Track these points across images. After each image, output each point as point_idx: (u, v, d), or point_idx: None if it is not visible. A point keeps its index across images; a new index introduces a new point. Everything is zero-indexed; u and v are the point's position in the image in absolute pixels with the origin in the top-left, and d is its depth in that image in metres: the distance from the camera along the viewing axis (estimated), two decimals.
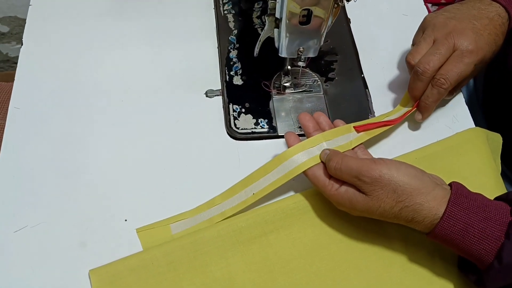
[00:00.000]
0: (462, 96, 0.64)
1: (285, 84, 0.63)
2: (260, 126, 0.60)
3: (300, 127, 0.56)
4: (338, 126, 0.55)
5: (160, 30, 0.69)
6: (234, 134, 0.60)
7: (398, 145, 0.60)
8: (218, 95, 0.63)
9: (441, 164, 0.58)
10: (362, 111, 0.62)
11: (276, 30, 0.55)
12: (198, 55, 0.67)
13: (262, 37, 0.57)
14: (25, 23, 0.68)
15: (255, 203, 0.53)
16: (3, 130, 0.58)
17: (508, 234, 0.43)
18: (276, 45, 0.57)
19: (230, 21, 0.70)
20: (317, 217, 0.54)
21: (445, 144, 0.59)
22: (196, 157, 0.58)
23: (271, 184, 0.53)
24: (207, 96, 0.63)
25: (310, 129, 0.55)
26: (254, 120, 0.61)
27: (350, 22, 0.71)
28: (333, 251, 0.53)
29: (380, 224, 0.51)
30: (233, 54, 0.66)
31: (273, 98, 0.63)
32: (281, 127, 0.60)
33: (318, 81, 0.64)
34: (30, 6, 0.69)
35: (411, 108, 0.59)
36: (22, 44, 0.66)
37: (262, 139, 0.60)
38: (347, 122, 0.57)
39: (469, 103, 0.66)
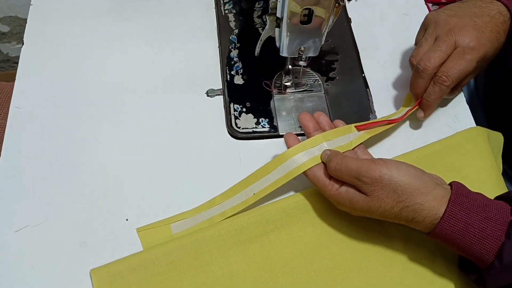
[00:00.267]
0: (463, 95, 0.64)
1: (286, 84, 0.63)
2: (261, 125, 0.60)
3: (300, 126, 0.57)
4: (338, 126, 0.55)
5: (161, 30, 0.69)
6: (235, 134, 0.60)
7: (399, 144, 0.60)
8: (219, 95, 0.63)
9: (442, 163, 0.57)
10: (362, 111, 0.62)
11: (277, 29, 0.55)
12: (199, 55, 0.67)
13: (263, 37, 0.57)
14: (26, 23, 0.68)
15: (255, 203, 0.53)
16: (4, 130, 0.58)
17: (508, 233, 0.43)
18: (277, 44, 0.57)
19: (231, 21, 0.70)
20: (318, 216, 0.54)
21: (446, 143, 0.59)
22: (197, 156, 0.58)
23: (272, 184, 0.53)
24: (208, 95, 0.63)
25: (310, 129, 0.55)
26: (255, 120, 0.61)
27: (351, 22, 0.71)
28: (334, 250, 0.53)
29: (381, 223, 0.51)
30: (234, 53, 0.66)
31: (274, 98, 0.63)
32: (282, 127, 0.60)
33: (319, 81, 0.64)
34: (31, 6, 0.69)
35: (413, 106, 0.59)
36: (23, 44, 0.66)
37: (263, 139, 0.60)
38: (348, 121, 0.57)
39: (470, 102, 0.66)
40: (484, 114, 0.71)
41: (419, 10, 0.72)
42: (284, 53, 0.57)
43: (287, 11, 0.51)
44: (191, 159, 0.58)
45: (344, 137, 0.54)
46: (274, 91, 0.63)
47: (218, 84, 0.64)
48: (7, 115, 0.59)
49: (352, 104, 0.63)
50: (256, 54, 0.59)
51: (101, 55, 0.66)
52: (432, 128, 0.62)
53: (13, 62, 1.37)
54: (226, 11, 0.71)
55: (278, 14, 0.53)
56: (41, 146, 0.58)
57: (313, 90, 0.64)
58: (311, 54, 0.57)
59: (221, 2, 0.71)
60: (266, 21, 0.55)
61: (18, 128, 0.59)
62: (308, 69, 0.65)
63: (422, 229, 0.47)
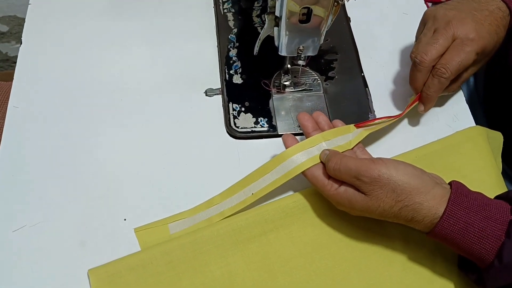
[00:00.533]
0: (463, 95, 0.64)
1: (285, 83, 0.62)
2: (260, 125, 0.60)
3: (299, 126, 0.56)
4: (337, 126, 0.55)
5: (160, 29, 0.68)
6: (234, 133, 0.60)
7: (398, 143, 0.60)
8: (218, 94, 0.63)
9: (441, 162, 0.57)
10: (362, 110, 0.62)
11: (276, 28, 0.55)
12: (198, 54, 0.66)
13: (262, 36, 0.57)
14: (25, 22, 0.68)
15: (254, 202, 0.53)
16: (2, 129, 0.58)
17: (508, 233, 0.43)
18: (276, 43, 0.56)
19: (229, 20, 0.70)
20: (317, 216, 0.54)
21: (445, 143, 0.59)
22: (195, 156, 0.58)
23: (270, 184, 0.53)
24: (206, 95, 0.63)
25: (309, 129, 0.54)
26: (254, 119, 0.61)
27: (350, 21, 0.71)
28: (333, 250, 0.52)
29: (381, 223, 0.50)
30: (233, 52, 0.66)
31: (273, 97, 0.63)
32: (281, 126, 0.60)
33: (318, 80, 0.64)
34: (29, 5, 0.69)
35: (413, 101, 0.59)
36: (21, 43, 0.66)
37: (262, 138, 0.60)
38: (348, 120, 0.56)
39: (470, 101, 0.66)
40: (484, 114, 0.71)
41: (419, 10, 0.72)
42: (283, 52, 0.56)
43: (286, 10, 0.51)
44: (190, 158, 0.58)
45: (343, 137, 0.54)
46: (273, 90, 0.63)
47: (217, 84, 0.64)
48: (5, 115, 0.59)
49: (351, 104, 0.63)
50: (255, 53, 0.59)
51: (100, 54, 0.66)
52: (432, 127, 0.61)
53: (12, 62, 1.37)
54: (225, 10, 0.70)
55: (277, 13, 0.52)
56: (39, 145, 0.58)
57: (312, 89, 0.64)
58: (310, 54, 0.57)
59: (220, 1, 0.71)
60: (265, 20, 0.55)
61: (16, 128, 0.59)
62: (307, 69, 0.65)
63: (421, 228, 0.47)
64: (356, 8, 0.72)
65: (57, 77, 0.63)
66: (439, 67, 0.55)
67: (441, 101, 0.63)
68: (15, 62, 0.64)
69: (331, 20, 0.54)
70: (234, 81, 0.64)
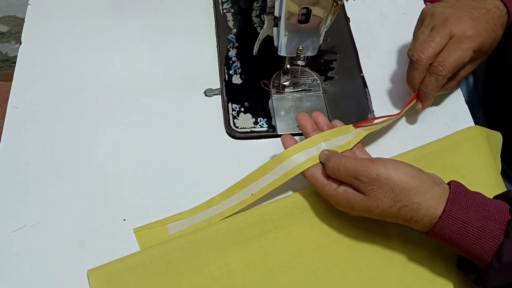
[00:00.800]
0: (462, 95, 0.64)
1: (284, 83, 0.62)
2: (259, 125, 0.60)
3: (299, 126, 0.56)
4: (336, 126, 0.55)
5: (160, 29, 0.68)
6: (233, 133, 0.60)
7: (398, 143, 0.60)
8: (217, 94, 0.63)
9: (440, 162, 0.57)
10: (361, 110, 0.62)
11: (275, 29, 0.55)
12: (197, 54, 0.66)
13: (261, 36, 0.57)
14: (24, 22, 0.68)
15: (253, 203, 0.53)
16: (2, 129, 0.58)
17: (507, 233, 0.43)
18: (275, 44, 0.56)
19: (229, 20, 0.70)
20: (316, 216, 0.54)
21: (444, 143, 0.59)
22: (195, 156, 0.58)
23: (270, 184, 0.53)
24: (206, 95, 0.63)
25: (308, 129, 0.55)
26: (253, 119, 0.61)
27: (349, 21, 0.71)
28: (332, 250, 0.52)
29: (380, 223, 0.50)
30: (232, 53, 0.66)
31: (272, 97, 0.63)
32: (281, 126, 0.60)
33: (317, 80, 0.64)
34: (28, 5, 0.69)
35: (410, 99, 0.59)
36: (21, 44, 0.66)
37: (262, 138, 0.60)
38: (347, 120, 0.57)
39: (469, 101, 0.66)
40: (483, 114, 0.71)
41: (418, 9, 0.71)
42: (282, 52, 0.56)
43: (285, 10, 0.51)
44: (190, 158, 0.58)
45: (343, 137, 0.54)
46: (273, 90, 0.63)
47: (216, 84, 0.64)
48: (5, 115, 0.59)
49: (351, 104, 0.63)
50: (254, 54, 0.59)
51: (100, 54, 0.66)
52: (431, 127, 0.61)
53: (12, 62, 1.37)
54: (225, 11, 0.70)
55: (276, 14, 0.52)
56: (39, 146, 0.58)
57: (311, 89, 0.64)
58: (309, 54, 0.57)
59: (220, 1, 0.71)
60: (264, 20, 0.55)
61: (16, 128, 0.59)
62: (306, 69, 0.65)
63: (420, 228, 0.47)
64: (356, 8, 0.72)
65: (56, 77, 0.63)
66: (436, 65, 0.55)
67: (440, 101, 0.63)
68: (15, 62, 0.64)
69: (331, 20, 0.54)
70: (233, 81, 0.64)
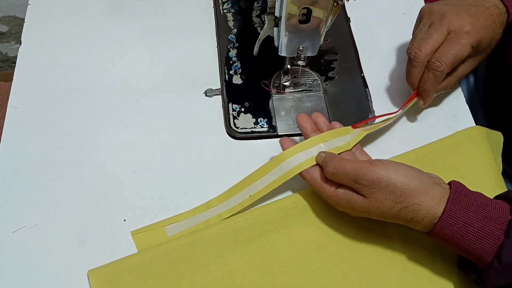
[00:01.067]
0: (463, 95, 0.64)
1: (285, 83, 0.62)
2: (260, 125, 0.60)
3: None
4: (336, 128, 0.55)
5: (160, 29, 0.68)
6: (233, 134, 0.60)
7: (398, 144, 0.59)
8: (217, 95, 0.63)
9: (441, 162, 0.57)
10: (362, 110, 0.62)
11: (275, 29, 0.55)
12: (198, 54, 0.66)
13: (261, 36, 0.57)
14: (24, 22, 0.68)
15: (252, 204, 0.53)
16: (2, 130, 0.58)
17: (507, 233, 0.43)
18: (276, 44, 0.56)
19: (229, 20, 0.69)
20: (317, 216, 0.54)
21: (445, 143, 0.59)
22: (195, 156, 0.58)
23: (268, 185, 0.53)
24: (206, 95, 0.63)
25: (308, 130, 0.54)
26: (254, 120, 0.61)
27: (349, 21, 0.71)
28: (333, 250, 0.52)
29: (381, 223, 0.50)
30: (233, 53, 0.66)
31: (273, 97, 0.62)
32: (281, 127, 0.60)
33: (317, 80, 0.64)
34: (28, 5, 0.69)
35: (410, 97, 0.59)
36: (21, 44, 0.66)
37: (262, 139, 0.60)
38: (347, 121, 0.56)
39: (470, 102, 0.66)
40: (484, 114, 0.71)
41: (419, 10, 0.71)
42: (282, 52, 0.56)
43: (286, 10, 0.51)
44: (190, 159, 0.58)
45: (342, 138, 0.54)
46: (273, 91, 0.63)
47: (216, 84, 0.64)
48: (5, 115, 0.59)
49: (351, 104, 0.63)
50: (254, 54, 0.59)
51: (100, 54, 0.66)
52: (432, 127, 0.61)
53: (12, 62, 1.37)
54: (225, 11, 0.70)
55: (277, 14, 0.52)
56: (39, 146, 0.58)
57: (312, 90, 0.64)
58: (310, 54, 0.57)
59: (220, 1, 0.71)
60: (265, 20, 0.55)
61: (16, 128, 0.59)
62: (307, 69, 0.65)
63: (421, 229, 0.47)
64: (356, 8, 0.72)
65: (56, 77, 0.63)
66: (434, 61, 0.55)
67: (441, 101, 0.63)
68: (15, 62, 0.64)
69: (331, 21, 0.54)
70: (233, 82, 0.64)
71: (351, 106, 0.62)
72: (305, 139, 0.54)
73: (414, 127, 0.62)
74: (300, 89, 0.63)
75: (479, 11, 0.57)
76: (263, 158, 0.56)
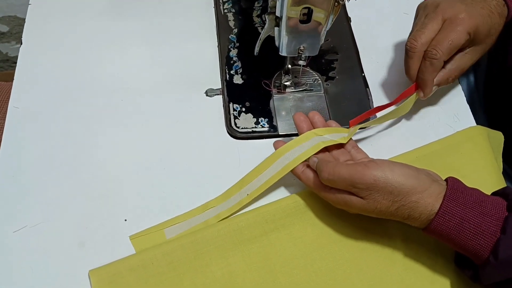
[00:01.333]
0: (463, 95, 0.64)
1: (286, 83, 0.62)
2: (261, 125, 0.60)
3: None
4: (331, 126, 0.55)
5: (160, 29, 0.68)
6: (234, 133, 0.60)
7: (399, 143, 0.59)
8: (218, 94, 0.63)
9: (441, 162, 0.57)
10: (362, 110, 0.62)
11: (276, 28, 0.55)
12: (198, 54, 0.66)
13: (262, 36, 0.57)
14: (25, 22, 0.68)
15: (252, 203, 0.53)
16: (3, 130, 0.58)
17: (504, 229, 0.43)
18: (277, 44, 0.56)
19: (230, 20, 0.69)
20: (318, 216, 0.54)
21: (446, 143, 0.59)
22: (196, 156, 0.58)
23: (266, 182, 0.53)
24: (207, 95, 0.63)
25: (304, 130, 0.54)
26: (255, 119, 0.61)
27: (350, 21, 0.71)
28: (334, 250, 0.52)
29: (381, 223, 0.50)
30: (233, 53, 0.66)
31: (274, 97, 0.62)
32: (282, 126, 0.60)
33: (318, 80, 0.64)
34: (29, 5, 0.69)
35: (409, 92, 0.59)
36: (21, 44, 0.66)
37: (263, 138, 0.60)
38: (348, 120, 0.56)
39: (470, 101, 0.66)
40: (485, 114, 0.71)
41: None
42: (283, 52, 0.56)
43: (286, 10, 0.50)
44: (191, 159, 0.58)
45: (338, 134, 0.54)
46: (274, 90, 0.63)
47: (217, 84, 0.64)
48: (6, 115, 0.59)
49: (352, 104, 0.63)
50: (255, 54, 0.59)
51: (100, 54, 0.66)
52: (433, 127, 0.61)
53: (12, 62, 1.37)
54: (225, 10, 0.70)
55: (278, 13, 0.52)
56: (39, 146, 0.58)
57: (312, 89, 0.63)
58: (310, 54, 0.57)
59: (220, 1, 0.71)
60: (266, 20, 0.55)
61: (17, 128, 0.59)
62: (307, 69, 0.65)
63: (418, 225, 0.47)
64: (357, 8, 0.71)
65: (57, 77, 0.63)
66: (430, 49, 0.55)
67: (442, 101, 0.63)
68: (15, 63, 0.64)
69: (332, 20, 0.54)
70: (234, 81, 0.64)
71: (352, 106, 0.62)
72: None
73: (414, 127, 0.62)
74: (301, 89, 0.63)
75: (475, 1, 0.56)
76: (264, 158, 0.56)
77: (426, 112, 0.62)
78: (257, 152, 0.58)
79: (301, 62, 0.58)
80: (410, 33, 0.58)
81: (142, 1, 0.71)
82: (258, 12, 0.70)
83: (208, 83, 0.64)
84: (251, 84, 0.63)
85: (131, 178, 0.56)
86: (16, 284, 0.50)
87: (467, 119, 0.62)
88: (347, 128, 0.56)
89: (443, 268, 0.52)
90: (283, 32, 0.53)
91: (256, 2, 0.71)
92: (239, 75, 0.64)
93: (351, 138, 0.56)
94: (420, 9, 0.59)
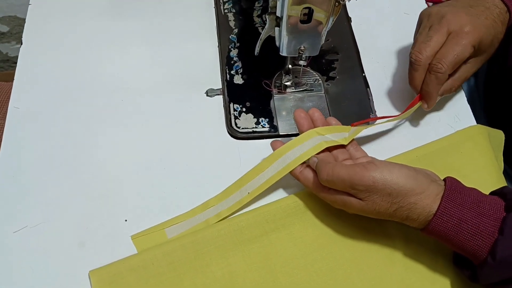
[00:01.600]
0: (464, 95, 0.64)
1: (286, 83, 0.62)
2: (261, 125, 0.60)
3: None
4: (331, 123, 0.55)
5: (161, 29, 0.68)
6: (235, 134, 0.59)
7: (399, 143, 0.59)
8: (218, 94, 0.63)
9: (442, 162, 0.57)
10: (363, 110, 0.62)
11: (276, 29, 0.55)
12: (199, 54, 0.66)
13: (262, 36, 0.57)
14: (25, 22, 0.68)
15: (252, 202, 0.53)
16: (3, 130, 0.58)
17: (502, 229, 0.43)
18: (277, 44, 0.56)
19: (230, 20, 0.69)
20: (318, 216, 0.54)
21: (446, 142, 0.59)
22: (196, 156, 0.58)
23: (267, 181, 0.53)
24: (207, 95, 0.63)
25: (305, 127, 0.54)
26: (255, 120, 0.61)
27: (351, 21, 0.70)
28: (334, 250, 0.52)
29: (381, 223, 0.50)
30: (234, 53, 0.66)
31: (274, 97, 0.62)
32: (282, 126, 0.60)
33: (319, 80, 0.64)
34: (29, 6, 0.69)
35: (413, 101, 0.59)
36: (21, 44, 0.66)
37: (263, 139, 0.60)
38: (348, 120, 0.56)
39: (471, 101, 0.66)
40: (485, 114, 0.71)
41: (420, 10, 0.70)
42: (284, 52, 0.56)
43: (287, 10, 0.50)
44: (191, 159, 0.58)
45: (339, 134, 0.54)
46: (274, 90, 0.63)
47: (217, 84, 0.64)
48: (6, 115, 0.59)
49: (352, 104, 0.63)
50: (256, 54, 0.59)
51: (100, 54, 0.65)
52: (433, 127, 0.61)
53: (12, 62, 1.37)
54: (226, 11, 0.70)
55: (278, 13, 0.52)
56: (40, 146, 0.58)
57: (313, 89, 0.63)
58: (311, 54, 0.57)
59: (221, 1, 0.71)
60: (266, 20, 0.55)
61: (17, 128, 0.59)
62: (308, 69, 0.65)
63: (416, 226, 0.47)
64: (357, 8, 0.71)
65: (57, 77, 0.63)
66: (435, 63, 0.55)
67: (442, 102, 0.63)
68: (16, 63, 0.64)
69: (332, 20, 0.54)
70: (235, 82, 0.64)
71: (352, 106, 0.62)
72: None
73: (415, 127, 0.61)
74: (301, 89, 0.63)
75: (478, 10, 0.56)
76: (264, 158, 0.56)
77: (427, 112, 0.62)
78: (258, 152, 0.58)
79: (301, 62, 0.58)
80: (414, 43, 0.58)
81: (142, 1, 0.71)
82: (259, 12, 0.70)
83: (208, 83, 0.64)
84: (251, 84, 0.63)
85: (131, 178, 0.56)
86: (16, 284, 0.50)
87: (468, 119, 0.62)
88: (348, 126, 0.56)
89: (443, 268, 0.52)
90: (284, 32, 0.53)
91: (257, 2, 0.71)
92: (240, 75, 0.64)
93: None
94: (424, 18, 0.59)
